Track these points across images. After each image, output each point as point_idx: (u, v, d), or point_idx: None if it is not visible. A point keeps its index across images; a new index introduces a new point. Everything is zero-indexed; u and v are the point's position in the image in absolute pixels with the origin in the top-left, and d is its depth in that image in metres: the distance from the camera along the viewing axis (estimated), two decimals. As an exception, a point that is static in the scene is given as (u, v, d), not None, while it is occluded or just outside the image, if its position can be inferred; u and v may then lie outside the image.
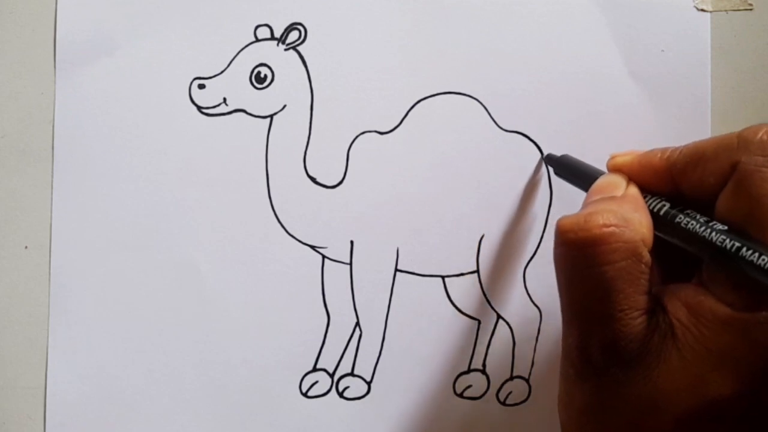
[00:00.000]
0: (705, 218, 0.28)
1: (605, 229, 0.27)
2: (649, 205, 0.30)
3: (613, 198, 0.30)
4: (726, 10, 0.40)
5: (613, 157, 0.33)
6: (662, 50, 0.39)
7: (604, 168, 0.34)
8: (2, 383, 0.40)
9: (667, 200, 0.30)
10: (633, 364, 0.27)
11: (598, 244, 0.27)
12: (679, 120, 0.39)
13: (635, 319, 0.27)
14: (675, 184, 0.30)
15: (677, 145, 0.39)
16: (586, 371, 0.28)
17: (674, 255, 0.30)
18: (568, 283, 0.29)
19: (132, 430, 0.39)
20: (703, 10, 0.40)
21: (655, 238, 0.29)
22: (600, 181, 0.32)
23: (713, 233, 0.27)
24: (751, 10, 0.40)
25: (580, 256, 0.28)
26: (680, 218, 0.29)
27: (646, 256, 0.28)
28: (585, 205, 0.31)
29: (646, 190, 0.31)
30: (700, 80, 0.39)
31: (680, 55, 0.39)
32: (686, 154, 0.30)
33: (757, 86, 0.40)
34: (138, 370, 0.40)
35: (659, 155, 0.31)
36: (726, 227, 0.27)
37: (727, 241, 0.27)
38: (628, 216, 0.28)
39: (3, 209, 0.40)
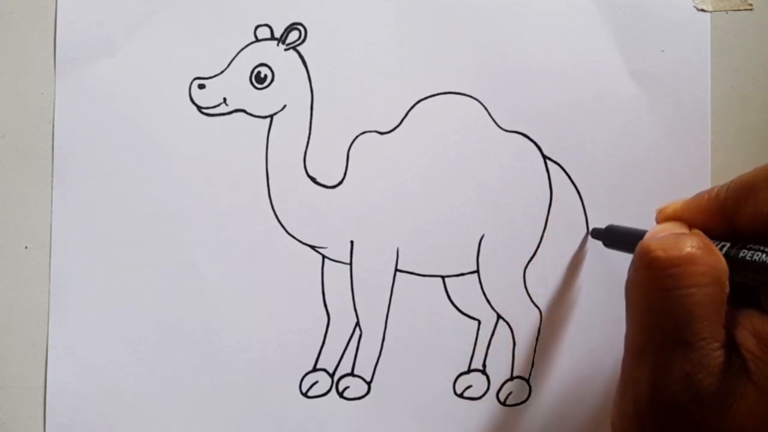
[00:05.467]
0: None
1: (697, 250, 0.26)
2: None
3: (684, 232, 0.29)
4: (726, 10, 0.40)
5: (660, 211, 0.32)
6: (662, 50, 0.39)
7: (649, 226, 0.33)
8: (2, 383, 0.40)
9: (725, 240, 0.29)
10: (710, 400, 0.26)
11: (689, 264, 0.26)
12: (679, 120, 0.39)
13: (715, 351, 0.26)
14: (728, 221, 0.29)
15: (677, 147, 0.39)
16: (656, 407, 0.27)
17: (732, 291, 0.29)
18: (648, 307, 0.27)
19: (132, 430, 0.40)
20: (703, 10, 0.40)
21: None
22: (656, 227, 0.31)
23: None
24: (751, 10, 0.40)
25: (666, 277, 0.26)
26: (744, 253, 0.28)
27: (728, 287, 0.27)
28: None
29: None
30: (700, 80, 0.39)
31: (680, 55, 0.39)
32: (735, 189, 0.29)
33: (757, 86, 0.40)
34: (138, 370, 0.40)
35: (706, 196, 0.30)
36: None
37: None
38: (708, 243, 0.27)
39: (3, 209, 0.40)
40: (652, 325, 0.27)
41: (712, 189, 0.30)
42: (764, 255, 0.27)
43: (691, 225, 0.30)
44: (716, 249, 0.28)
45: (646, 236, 0.30)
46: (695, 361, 0.26)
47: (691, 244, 0.27)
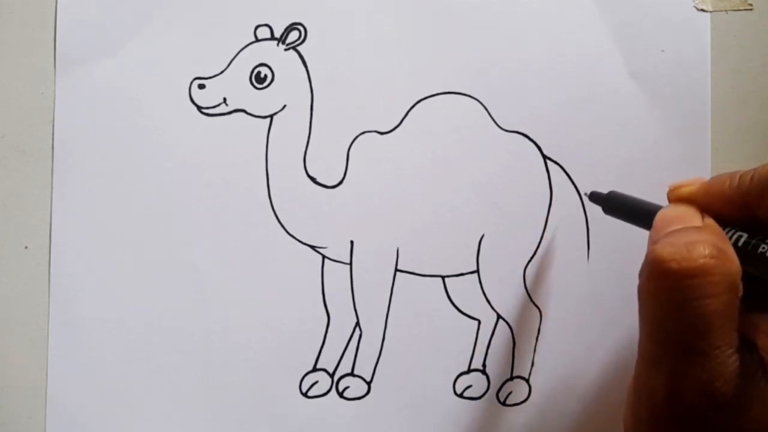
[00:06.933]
0: None
1: (710, 260, 0.26)
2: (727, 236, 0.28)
3: (697, 228, 0.28)
4: (726, 10, 0.40)
5: (675, 188, 0.31)
6: (662, 50, 0.39)
7: (660, 201, 0.32)
8: (2, 383, 0.40)
9: (742, 230, 0.28)
10: (727, 407, 0.26)
11: (703, 276, 0.26)
12: (679, 120, 0.39)
13: (730, 357, 0.26)
14: (748, 211, 0.28)
15: (677, 147, 0.39)
16: (673, 414, 0.26)
17: (748, 286, 0.29)
18: (662, 317, 0.27)
19: (132, 430, 0.40)
20: (703, 10, 0.40)
21: None
22: (669, 212, 0.30)
23: None
24: (751, 10, 0.40)
25: (680, 288, 0.26)
26: (764, 248, 0.27)
27: (741, 289, 0.26)
28: (660, 236, 0.28)
29: (717, 221, 0.29)
30: (700, 80, 0.39)
31: (680, 55, 0.39)
32: (761, 180, 0.28)
33: (757, 86, 0.40)
34: (138, 370, 0.40)
35: (728, 183, 0.29)
36: None
37: None
38: (722, 247, 0.26)
39: (3, 209, 0.40)
40: (666, 333, 0.27)
41: (733, 175, 0.29)
42: None
43: (705, 210, 0.29)
44: (730, 251, 0.27)
45: (656, 238, 0.29)
46: (711, 369, 0.26)
47: (704, 253, 0.26)
